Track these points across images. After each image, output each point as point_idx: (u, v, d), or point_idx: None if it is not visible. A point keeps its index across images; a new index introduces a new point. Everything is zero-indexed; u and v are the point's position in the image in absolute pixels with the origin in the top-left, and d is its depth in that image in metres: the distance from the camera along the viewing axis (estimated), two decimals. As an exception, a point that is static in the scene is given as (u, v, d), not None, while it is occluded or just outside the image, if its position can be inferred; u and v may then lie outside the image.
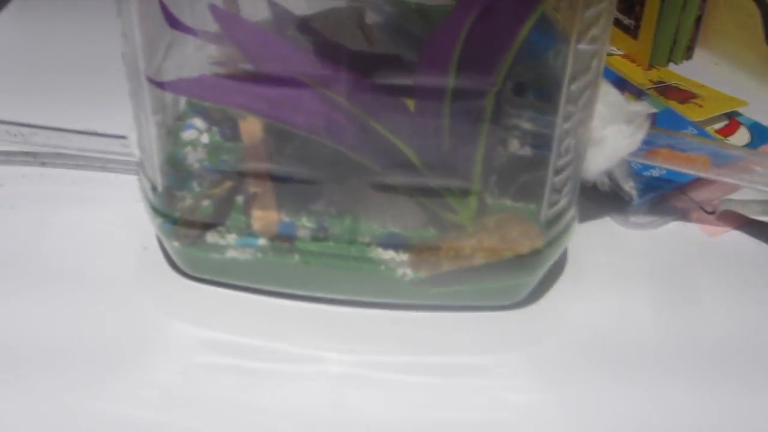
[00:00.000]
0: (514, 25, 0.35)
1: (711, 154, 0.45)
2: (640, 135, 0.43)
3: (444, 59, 0.35)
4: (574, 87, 0.36)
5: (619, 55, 0.62)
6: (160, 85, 0.38)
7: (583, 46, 0.35)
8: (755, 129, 0.55)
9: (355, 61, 0.37)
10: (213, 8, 0.36)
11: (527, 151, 0.43)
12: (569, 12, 0.34)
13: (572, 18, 0.34)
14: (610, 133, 0.42)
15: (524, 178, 0.42)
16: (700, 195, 0.49)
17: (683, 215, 0.49)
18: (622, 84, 0.56)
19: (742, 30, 0.60)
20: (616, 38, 0.62)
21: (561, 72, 0.36)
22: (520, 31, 0.35)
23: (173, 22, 0.37)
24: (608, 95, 0.43)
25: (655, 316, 0.43)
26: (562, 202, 0.40)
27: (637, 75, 0.59)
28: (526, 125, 0.43)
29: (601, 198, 0.47)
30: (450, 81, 0.36)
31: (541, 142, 0.39)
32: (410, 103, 0.37)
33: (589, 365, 0.40)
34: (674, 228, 0.48)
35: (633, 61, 0.61)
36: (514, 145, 0.44)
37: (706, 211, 0.49)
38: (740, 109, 0.56)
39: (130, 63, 0.38)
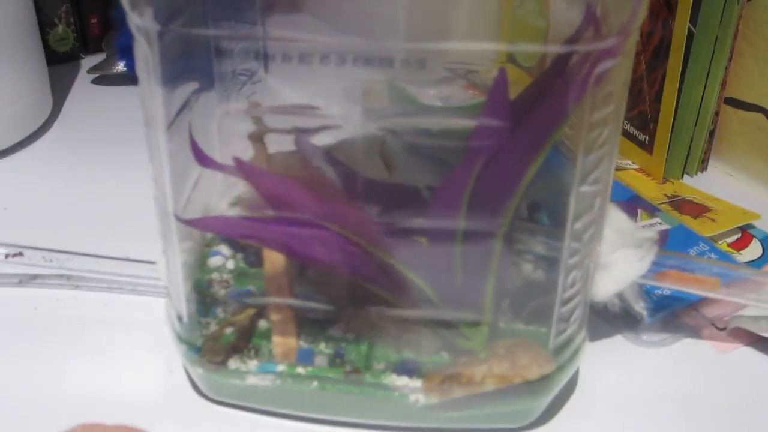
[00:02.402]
0: (520, 172, 0.37)
1: (719, 274, 0.46)
2: (648, 259, 0.44)
3: (453, 205, 0.37)
4: (578, 225, 0.38)
5: (634, 169, 0.63)
6: (188, 222, 0.41)
7: (585, 188, 0.37)
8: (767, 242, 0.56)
9: (372, 198, 0.39)
10: (236, 160, 0.38)
11: (539, 275, 0.45)
12: (568, 160, 0.36)
13: (572, 163, 0.36)
14: (619, 257, 0.43)
15: (536, 302, 0.43)
16: (711, 312, 0.50)
17: (695, 332, 0.49)
18: (635, 201, 0.57)
19: (755, 143, 0.62)
20: (631, 153, 0.63)
21: (564, 212, 0.37)
22: (526, 176, 0.37)
23: (203, 160, 0.40)
24: (617, 221, 0.44)
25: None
26: (571, 330, 0.41)
27: (651, 189, 0.60)
28: (538, 248, 0.45)
29: (613, 316, 0.48)
30: (460, 224, 0.38)
31: (552, 266, 0.40)
32: (424, 240, 0.39)
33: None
34: (686, 345, 0.49)
35: (648, 174, 0.62)
36: (527, 269, 0.46)
37: (717, 328, 0.49)
38: (753, 222, 0.57)
39: (160, 205, 0.40)
